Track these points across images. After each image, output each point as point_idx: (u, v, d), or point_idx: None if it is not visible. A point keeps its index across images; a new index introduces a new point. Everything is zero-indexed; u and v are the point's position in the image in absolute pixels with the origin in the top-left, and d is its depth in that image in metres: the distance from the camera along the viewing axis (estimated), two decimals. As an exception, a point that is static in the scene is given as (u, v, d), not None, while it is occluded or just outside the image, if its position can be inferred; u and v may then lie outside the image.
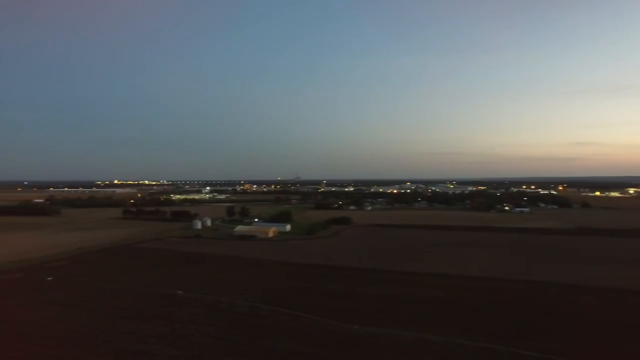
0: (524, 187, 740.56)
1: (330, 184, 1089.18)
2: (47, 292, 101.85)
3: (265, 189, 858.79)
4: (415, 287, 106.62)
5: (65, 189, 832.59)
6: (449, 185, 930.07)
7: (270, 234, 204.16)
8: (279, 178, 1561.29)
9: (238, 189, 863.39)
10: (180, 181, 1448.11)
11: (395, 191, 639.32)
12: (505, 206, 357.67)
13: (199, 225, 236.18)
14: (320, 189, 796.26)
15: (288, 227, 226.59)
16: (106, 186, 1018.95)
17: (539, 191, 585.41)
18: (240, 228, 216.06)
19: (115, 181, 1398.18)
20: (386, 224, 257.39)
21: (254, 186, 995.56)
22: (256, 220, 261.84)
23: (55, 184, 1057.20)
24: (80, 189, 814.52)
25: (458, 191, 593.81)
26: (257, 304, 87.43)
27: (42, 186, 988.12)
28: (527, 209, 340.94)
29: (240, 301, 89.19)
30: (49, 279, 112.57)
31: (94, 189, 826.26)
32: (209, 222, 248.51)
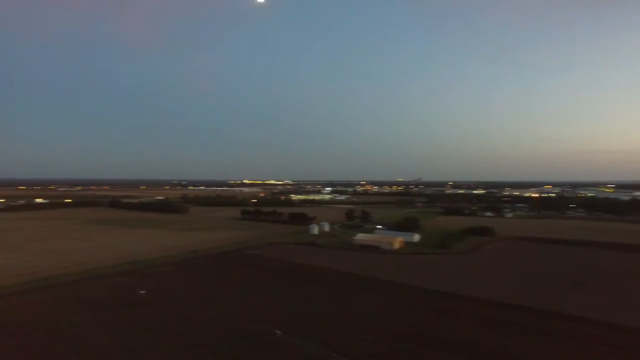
0: None
1: (455, 185, 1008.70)
2: (136, 308, 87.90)
3: (386, 190, 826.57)
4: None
5: (202, 187, 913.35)
6: (602, 188, 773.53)
7: (396, 245, 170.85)
8: (399, 179, 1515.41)
9: (358, 190, 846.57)
10: (303, 181, 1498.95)
11: (535, 195, 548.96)
12: None
13: (315, 230, 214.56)
14: (446, 191, 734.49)
15: (416, 237, 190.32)
16: (236, 185, 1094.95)
17: None
18: (361, 236, 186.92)
19: (245, 180, 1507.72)
20: (541, 238, 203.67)
21: (375, 187, 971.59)
22: (378, 227, 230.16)
23: (195, 183, 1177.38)
24: (214, 187, 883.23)
25: (625, 197, 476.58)
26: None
27: (190, 184, 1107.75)
28: None
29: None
30: (142, 292, 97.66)
31: (225, 187, 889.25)
32: (326, 227, 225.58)
